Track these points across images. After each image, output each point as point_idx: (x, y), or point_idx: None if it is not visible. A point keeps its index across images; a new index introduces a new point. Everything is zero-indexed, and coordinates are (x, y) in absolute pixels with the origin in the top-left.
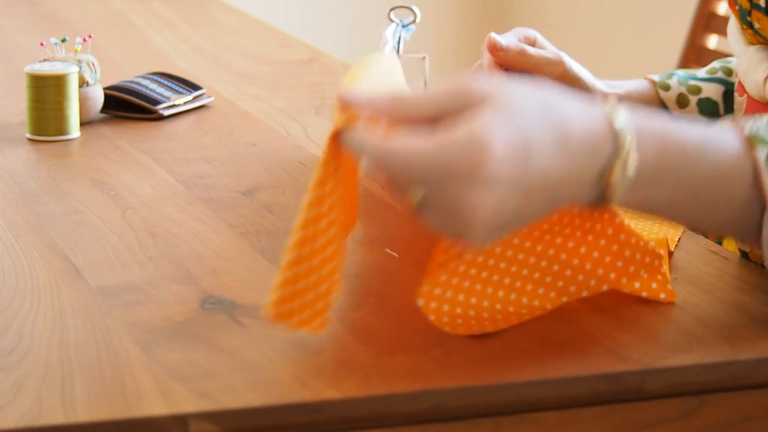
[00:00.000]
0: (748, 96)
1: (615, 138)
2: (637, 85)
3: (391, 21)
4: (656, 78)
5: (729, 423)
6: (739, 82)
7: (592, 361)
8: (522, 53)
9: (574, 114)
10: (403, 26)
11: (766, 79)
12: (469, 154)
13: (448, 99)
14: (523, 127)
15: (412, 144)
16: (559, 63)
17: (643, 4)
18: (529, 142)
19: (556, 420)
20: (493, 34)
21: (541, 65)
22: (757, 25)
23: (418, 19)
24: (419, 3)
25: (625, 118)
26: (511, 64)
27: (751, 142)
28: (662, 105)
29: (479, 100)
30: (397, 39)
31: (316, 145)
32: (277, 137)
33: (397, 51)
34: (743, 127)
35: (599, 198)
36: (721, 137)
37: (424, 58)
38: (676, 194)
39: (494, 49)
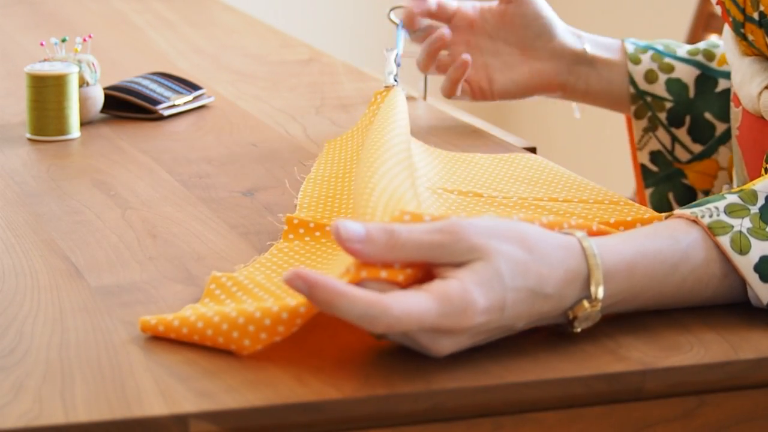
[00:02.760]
0: (744, 108)
1: (586, 279)
2: (608, 45)
3: (392, 21)
4: (630, 48)
5: (729, 423)
6: (735, 93)
7: (592, 361)
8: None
9: (552, 257)
10: (403, 26)
11: (760, 93)
12: (458, 313)
13: (439, 248)
14: (504, 286)
15: (413, 302)
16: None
17: (643, 4)
18: (508, 297)
19: (556, 420)
20: None
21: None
22: (751, 38)
23: None
24: None
25: (597, 255)
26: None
27: (713, 230)
28: (628, 76)
29: (465, 253)
30: (395, 61)
31: (316, 145)
32: (277, 137)
33: (397, 52)
34: (703, 216)
35: (564, 325)
36: (689, 249)
37: None
38: (645, 306)
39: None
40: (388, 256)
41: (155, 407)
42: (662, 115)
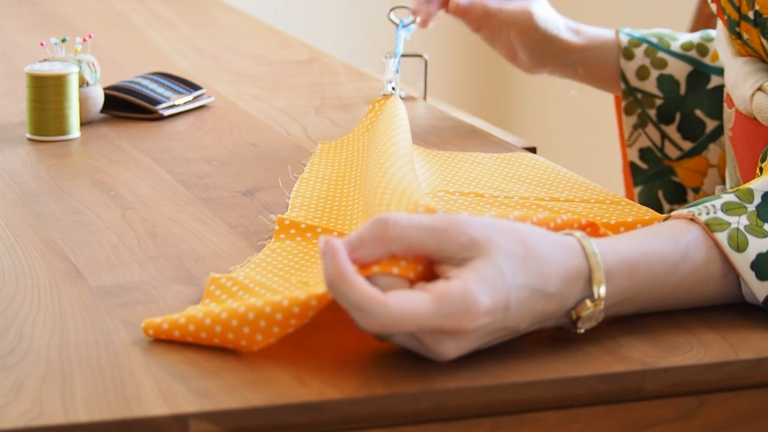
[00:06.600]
0: (737, 109)
1: (588, 278)
2: (603, 38)
3: (392, 21)
4: (625, 40)
5: (729, 423)
6: (728, 94)
7: (592, 361)
8: (486, 14)
9: (553, 256)
10: (403, 26)
11: (753, 94)
12: (459, 314)
13: (435, 243)
14: (507, 284)
15: (411, 302)
16: (525, 15)
17: (644, 4)
18: (511, 296)
19: (556, 420)
20: None
21: (507, 22)
22: (745, 36)
23: (418, 19)
24: None
25: (598, 254)
26: (477, 23)
27: (710, 227)
28: (620, 72)
29: (465, 248)
30: (393, 68)
31: (316, 145)
32: (277, 137)
33: (396, 53)
34: (700, 214)
35: (567, 326)
36: (689, 248)
37: (424, 58)
38: (645, 306)
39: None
40: (388, 247)
41: (155, 407)
42: (652, 112)
